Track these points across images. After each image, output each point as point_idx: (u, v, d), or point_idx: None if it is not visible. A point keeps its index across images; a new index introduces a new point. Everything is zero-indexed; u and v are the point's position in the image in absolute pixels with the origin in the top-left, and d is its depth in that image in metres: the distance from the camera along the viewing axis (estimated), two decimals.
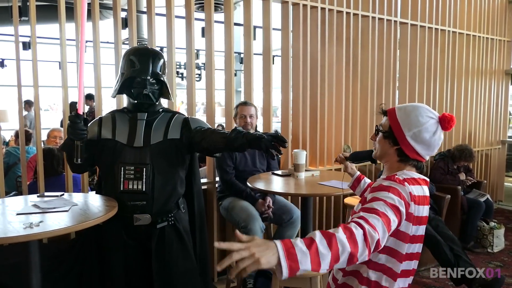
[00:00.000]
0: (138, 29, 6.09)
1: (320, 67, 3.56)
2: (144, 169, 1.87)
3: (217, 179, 3.07)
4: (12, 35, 2.44)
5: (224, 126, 3.40)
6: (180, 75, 8.32)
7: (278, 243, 0.92)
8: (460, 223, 3.88)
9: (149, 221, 1.91)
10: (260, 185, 2.44)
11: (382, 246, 1.07)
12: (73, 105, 6.11)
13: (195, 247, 2.14)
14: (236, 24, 3.78)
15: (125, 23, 3.04)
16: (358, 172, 1.89)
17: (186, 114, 2.95)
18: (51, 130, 3.91)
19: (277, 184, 2.53)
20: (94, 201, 1.90)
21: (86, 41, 3.25)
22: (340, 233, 0.98)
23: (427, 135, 1.26)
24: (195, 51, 3.14)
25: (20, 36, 2.50)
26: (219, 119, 5.78)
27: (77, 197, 2.00)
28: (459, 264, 2.90)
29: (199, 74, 8.17)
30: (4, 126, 7.02)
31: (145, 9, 2.87)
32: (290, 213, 2.72)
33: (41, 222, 1.53)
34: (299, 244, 0.93)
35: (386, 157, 1.34)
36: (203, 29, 5.17)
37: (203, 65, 8.24)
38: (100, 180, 2.09)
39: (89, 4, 2.50)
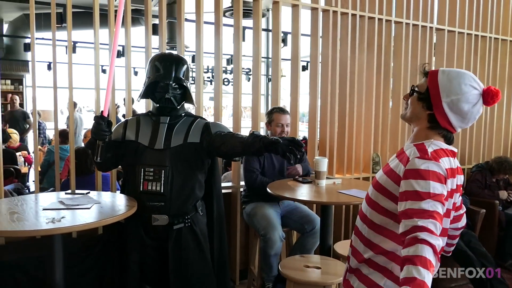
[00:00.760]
0: (172, 35, 6.29)
1: (349, 74, 3.51)
2: (163, 171, 1.93)
3: (242, 183, 3.11)
4: (58, 40, 2.62)
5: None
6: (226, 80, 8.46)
7: None
8: (497, 239, 3.68)
9: (167, 222, 1.96)
10: (280, 191, 2.44)
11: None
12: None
13: (212, 250, 2.17)
14: (265, 30, 3.81)
15: (156, 29, 3.16)
16: None
17: (213, 118, 3.02)
18: (87, 130, 4.12)
19: (296, 191, 2.52)
20: (117, 200, 1.99)
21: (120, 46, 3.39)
22: (422, 274, 0.97)
23: (466, 105, 1.18)
24: (229, 56, 3.22)
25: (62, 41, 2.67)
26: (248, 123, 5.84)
27: (104, 196, 2.10)
28: (491, 283, 2.75)
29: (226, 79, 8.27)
30: (49, 126, 7.46)
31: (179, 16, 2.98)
32: (312, 223, 2.69)
33: (63, 217, 1.62)
34: None
35: (416, 121, 1.27)
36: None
37: (248, 70, 8.40)
38: (124, 180, 2.17)
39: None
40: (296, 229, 2.81)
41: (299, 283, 1.95)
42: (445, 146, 1.22)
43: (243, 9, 3.10)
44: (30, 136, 7.03)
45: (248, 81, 8.20)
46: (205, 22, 2.97)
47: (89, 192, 2.08)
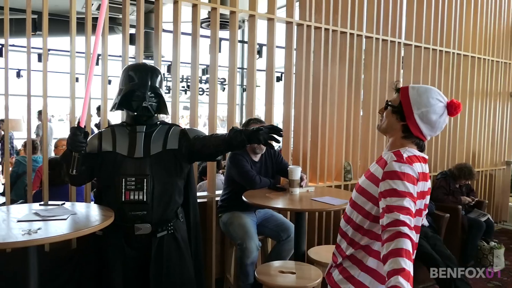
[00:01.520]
0: (148, 44, 6.26)
1: (322, 86, 3.63)
2: (145, 180, 1.94)
3: (217, 192, 3.14)
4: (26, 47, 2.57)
5: None
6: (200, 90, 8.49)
7: None
8: (461, 242, 3.87)
9: (150, 230, 1.97)
10: (256, 200, 2.49)
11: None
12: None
13: (190, 256, 2.19)
14: (241, 41, 3.89)
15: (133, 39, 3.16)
16: None
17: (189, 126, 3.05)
18: (58, 140, 4.04)
19: (272, 199, 2.58)
20: (93, 211, 1.97)
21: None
22: (408, 264, 1.07)
23: (434, 116, 1.34)
24: (204, 66, 3.27)
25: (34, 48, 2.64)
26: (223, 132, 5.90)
27: (79, 206, 2.07)
28: (455, 283, 2.90)
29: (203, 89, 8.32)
30: (18, 135, 7.21)
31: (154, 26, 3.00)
32: (288, 231, 2.76)
33: (39, 229, 1.60)
34: None
35: (391, 131, 1.42)
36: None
37: (223, 79, 8.42)
38: (99, 192, 2.14)
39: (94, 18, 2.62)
40: (271, 236, 2.87)
41: None
42: (418, 153, 1.36)
43: (220, 21, 3.16)
44: None
45: (223, 91, 8.26)
46: (182, 33, 3.01)
47: (64, 203, 2.05)
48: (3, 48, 2.52)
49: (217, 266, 3.17)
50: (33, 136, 5.92)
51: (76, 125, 1.87)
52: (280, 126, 2.63)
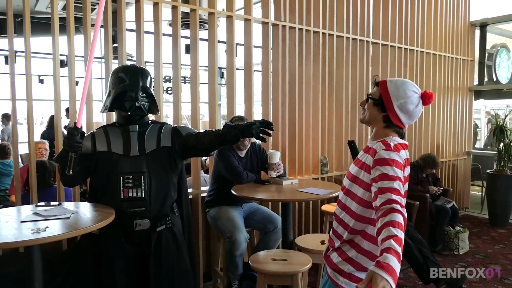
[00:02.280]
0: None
1: (298, 83, 3.80)
2: (142, 177, 2.01)
3: (203, 188, 3.23)
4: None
5: None
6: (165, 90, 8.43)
7: (386, 275, 1.08)
8: (429, 228, 4.15)
9: (149, 225, 2.04)
10: (244, 193, 2.61)
11: None
12: (52, 118, 6.02)
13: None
14: (219, 41, 3.99)
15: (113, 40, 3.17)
16: None
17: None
18: (35, 143, 3.95)
19: (259, 192, 2.71)
20: (90, 209, 2.01)
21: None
22: (399, 233, 1.20)
23: (411, 106, 1.50)
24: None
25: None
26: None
27: (71, 207, 2.07)
28: (427, 264, 3.14)
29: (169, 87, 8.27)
30: None
31: (129, 26, 3.01)
32: (274, 223, 2.89)
33: (46, 227, 1.64)
34: (396, 264, 1.12)
35: (374, 122, 1.55)
36: (186, 46, 5.36)
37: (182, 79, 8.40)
38: (94, 192, 2.16)
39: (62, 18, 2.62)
40: (258, 228, 2.99)
41: (269, 274, 2.13)
42: (400, 141, 1.52)
43: (182, 20, 3.22)
44: None
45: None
46: (147, 32, 3.03)
47: (61, 203, 2.08)
48: None
49: (204, 261, 3.26)
50: None
51: (73, 126, 1.90)
52: None
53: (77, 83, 3.08)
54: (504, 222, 5.07)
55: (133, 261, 2.05)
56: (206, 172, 3.95)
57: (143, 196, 2.01)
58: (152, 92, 2.16)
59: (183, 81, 8.14)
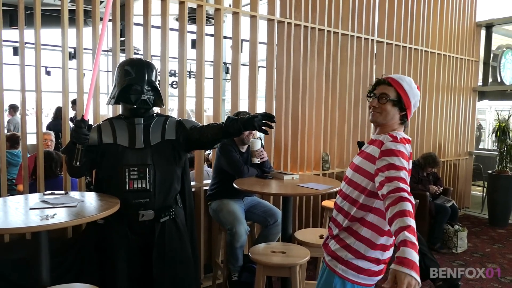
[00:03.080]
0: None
1: (302, 80, 3.84)
2: (147, 169, 2.07)
3: (205, 182, 3.29)
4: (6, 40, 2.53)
5: None
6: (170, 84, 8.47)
7: (408, 270, 1.15)
8: (428, 226, 4.20)
9: (153, 216, 2.10)
10: (247, 187, 2.67)
11: None
12: (58, 110, 6.07)
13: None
14: (224, 37, 4.03)
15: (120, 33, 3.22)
16: None
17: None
18: (43, 134, 4.02)
19: (262, 186, 2.77)
20: (96, 199, 2.07)
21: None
22: (412, 222, 1.26)
23: (418, 103, 1.61)
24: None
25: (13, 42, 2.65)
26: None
27: (77, 196, 2.13)
28: (424, 261, 3.18)
29: (175, 81, 8.31)
30: None
31: (136, 21, 3.06)
32: (275, 216, 2.95)
33: (55, 214, 1.70)
34: (414, 255, 1.18)
35: (391, 121, 1.57)
36: (193, 40, 5.40)
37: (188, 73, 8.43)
38: (100, 183, 2.21)
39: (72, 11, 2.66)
40: (259, 222, 3.05)
41: (268, 266, 2.19)
42: (405, 135, 1.57)
43: (189, 15, 3.26)
44: None
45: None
46: (154, 27, 3.07)
47: (67, 192, 2.15)
48: None
49: (205, 253, 3.33)
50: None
51: (80, 118, 1.96)
52: None
53: (84, 75, 3.15)
54: (504, 223, 5.11)
55: (136, 251, 2.10)
56: (209, 166, 4.01)
57: (148, 187, 2.07)
58: (158, 85, 2.21)
59: (188, 75, 8.24)
